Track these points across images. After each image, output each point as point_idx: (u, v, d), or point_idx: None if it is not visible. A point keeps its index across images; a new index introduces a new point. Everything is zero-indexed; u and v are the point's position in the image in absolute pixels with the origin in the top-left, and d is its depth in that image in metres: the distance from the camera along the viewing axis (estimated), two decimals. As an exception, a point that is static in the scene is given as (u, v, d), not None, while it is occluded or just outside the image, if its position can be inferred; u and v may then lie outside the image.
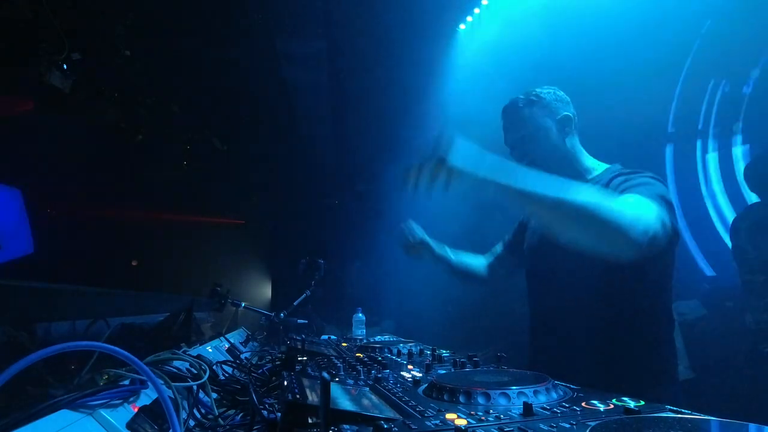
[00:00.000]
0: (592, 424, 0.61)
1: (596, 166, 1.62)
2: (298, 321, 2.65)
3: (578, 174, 1.59)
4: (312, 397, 0.73)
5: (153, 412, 0.85)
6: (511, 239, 1.89)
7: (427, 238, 1.91)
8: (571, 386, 0.88)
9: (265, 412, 0.82)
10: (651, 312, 1.42)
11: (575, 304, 1.41)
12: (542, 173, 1.18)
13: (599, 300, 1.37)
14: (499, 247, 1.94)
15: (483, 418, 0.68)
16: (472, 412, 0.70)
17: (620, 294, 1.38)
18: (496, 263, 1.93)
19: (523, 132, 1.61)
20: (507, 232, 1.93)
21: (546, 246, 1.58)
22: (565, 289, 1.49)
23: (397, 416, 0.69)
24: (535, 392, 0.79)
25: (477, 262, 1.98)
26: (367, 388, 0.92)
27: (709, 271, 3.79)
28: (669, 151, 4.05)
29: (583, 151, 1.66)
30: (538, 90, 1.64)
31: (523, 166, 1.26)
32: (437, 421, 0.66)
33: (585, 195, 1.13)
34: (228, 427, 0.96)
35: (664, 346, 1.44)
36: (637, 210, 1.16)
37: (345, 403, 0.71)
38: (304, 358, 1.34)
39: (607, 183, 1.46)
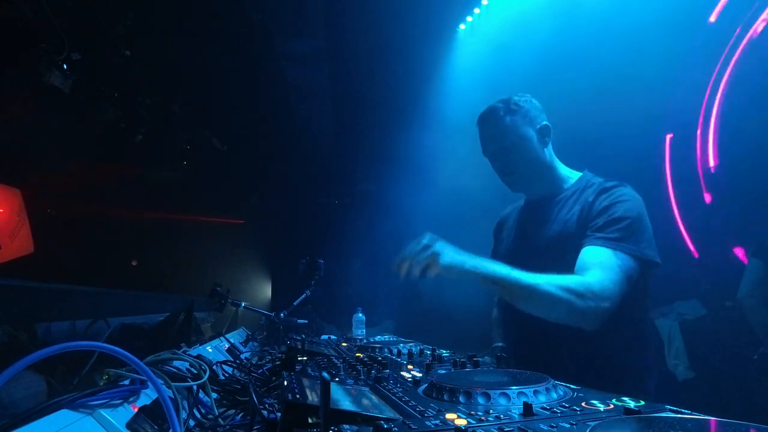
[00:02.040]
0: (592, 424, 0.60)
1: (570, 175, 1.65)
2: (298, 321, 2.65)
3: (555, 183, 1.63)
4: (312, 397, 0.73)
5: (153, 412, 0.85)
6: (493, 257, 1.83)
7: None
8: (571, 386, 0.88)
9: (265, 412, 0.82)
10: (625, 314, 1.42)
11: None
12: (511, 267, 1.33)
13: None
14: None
15: (483, 418, 0.68)
16: (472, 412, 0.70)
17: None
18: None
19: (505, 142, 1.61)
20: (489, 253, 1.93)
21: (520, 253, 1.64)
22: None
23: (397, 416, 0.69)
24: (535, 392, 0.79)
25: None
26: (367, 388, 0.92)
27: (708, 271, 3.79)
28: (668, 152, 4.05)
29: (557, 160, 1.68)
30: (516, 98, 1.63)
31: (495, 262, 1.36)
32: (437, 421, 0.66)
33: (549, 283, 1.29)
34: (228, 427, 0.96)
35: (640, 343, 1.47)
36: (600, 285, 1.30)
37: (345, 403, 0.71)
38: (304, 358, 1.34)
39: (590, 198, 1.51)
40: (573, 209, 1.53)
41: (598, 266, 1.34)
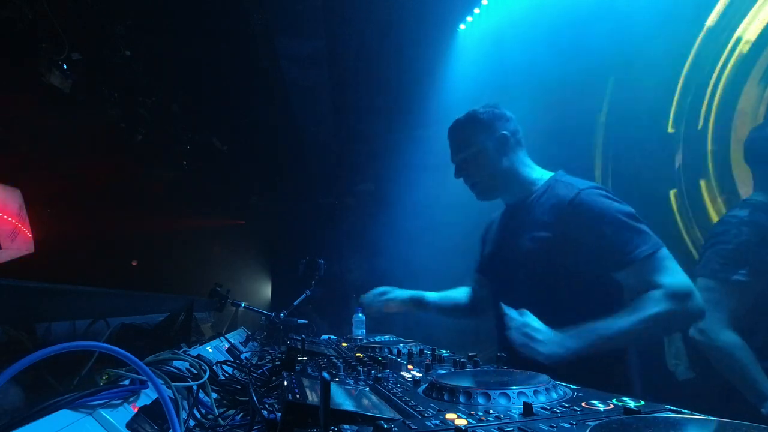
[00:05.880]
0: (592, 424, 0.60)
1: (541, 176, 1.69)
2: (298, 321, 2.65)
3: (524, 187, 1.68)
4: (312, 397, 0.73)
5: (153, 412, 0.85)
6: (480, 260, 1.97)
7: (404, 295, 1.99)
8: (571, 386, 0.88)
9: (265, 412, 0.82)
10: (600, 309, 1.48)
11: (540, 307, 1.51)
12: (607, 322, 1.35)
13: (563, 304, 1.48)
14: (476, 275, 2.02)
15: (483, 418, 0.68)
16: (472, 412, 0.70)
17: (581, 299, 1.48)
18: (477, 287, 2.01)
19: (463, 155, 1.72)
20: (476, 255, 2.01)
21: (498, 257, 1.74)
22: (532, 293, 1.58)
23: (397, 416, 0.69)
24: (535, 392, 0.78)
25: (460, 294, 2.06)
26: (367, 388, 0.92)
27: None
28: (669, 150, 4.04)
29: (527, 163, 1.71)
30: (477, 110, 1.71)
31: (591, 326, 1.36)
32: (437, 421, 0.66)
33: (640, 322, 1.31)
34: (228, 427, 0.96)
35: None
36: (679, 284, 1.37)
37: (345, 403, 0.71)
38: (304, 358, 1.34)
39: (565, 201, 1.52)
40: (543, 214, 1.56)
41: (661, 275, 1.38)
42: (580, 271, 1.48)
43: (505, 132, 1.66)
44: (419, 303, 2.00)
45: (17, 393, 1.17)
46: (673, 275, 1.38)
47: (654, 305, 1.32)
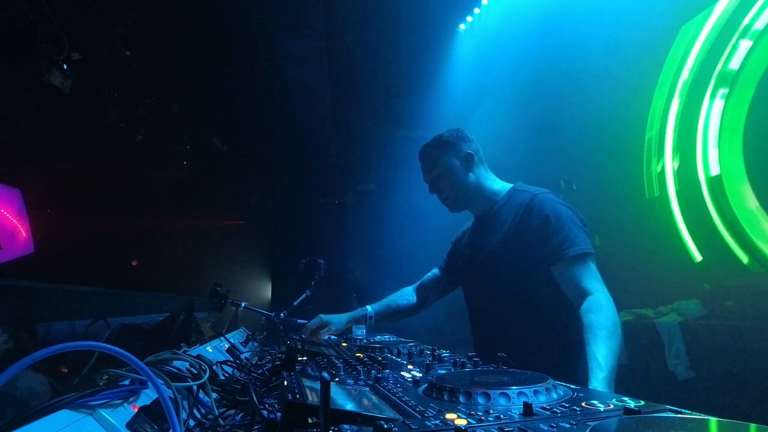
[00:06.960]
0: (592, 424, 0.60)
1: (502, 188, 1.88)
2: (298, 321, 2.64)
3: (488, 199, 1.87)
4: (312, 397, 0.73)
5: (153, 412, 0.85)
6: (449, 261, 2.15)
7: (342, 321, 2.10)
8: (571, 386, 0.88)
9: (265, 412, 0.82)
10: (560, 309, 1.62)
11: (501, 302, 1.73)
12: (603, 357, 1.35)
13: (519, 298, 1.68)
14: (436, 272, 2.20)
15: (483, 418, 0.68)
16: (472, 412, 0.70)
17: (533, 294, 1.65)
18: (434, 286, 2.18)
19: (434, 173, 1.90)
20: (441, 259, 2.19)
21: (472, 262, 1.90)
22: (493, 291, 1.78)
23: (397, 416, 0.69)
24: (535, 392, 0.78)
25: (403, 299, 2.20)
26: (367, 388, 0.92)
27: (708, 271, 3.79)
28: (669, 148, 4.05)
29: (489, 176, 1.91)
30: (444, 134, 1.90)
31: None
32: (437, 421, 0.66)
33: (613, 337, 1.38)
34: (228, 427, 0.96)
35: (571, 333, 1.59)
36: (606, 296, 1.48)
37: (345, 403, 0.71)
38: (304, 358, 1.34)
39: (522, 204, 1.70)
40: (505, 219, 1.75)
41: (594, 282, 1.51)
42: (538, 265, 1.61)
43: (469, 151, 1.85)
44: (360, 320, 2.12)
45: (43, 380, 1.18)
46: (602, 283, 1.50)
47: (610, 312, 1.41)
